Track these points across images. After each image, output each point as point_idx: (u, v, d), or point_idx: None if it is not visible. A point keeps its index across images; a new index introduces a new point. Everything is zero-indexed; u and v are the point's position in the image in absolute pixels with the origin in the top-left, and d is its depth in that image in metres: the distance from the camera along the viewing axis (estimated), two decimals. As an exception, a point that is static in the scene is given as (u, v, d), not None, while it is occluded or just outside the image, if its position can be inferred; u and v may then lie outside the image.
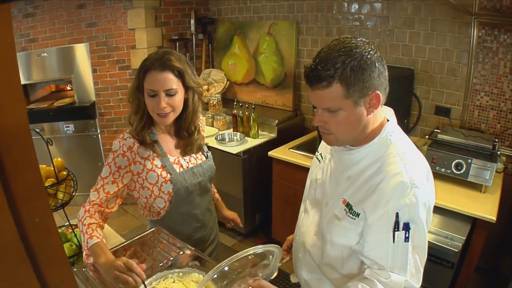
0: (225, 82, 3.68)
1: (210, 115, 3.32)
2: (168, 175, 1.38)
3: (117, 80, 3.53)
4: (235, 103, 3.16)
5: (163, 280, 1.14)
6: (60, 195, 1.43)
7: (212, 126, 3.29)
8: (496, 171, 2.01)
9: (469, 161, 2.03)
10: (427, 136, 2.34)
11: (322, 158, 1.24)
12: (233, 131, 3.16)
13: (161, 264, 1.23)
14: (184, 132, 1.45)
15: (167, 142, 1.44)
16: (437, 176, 2.08)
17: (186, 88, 1.35)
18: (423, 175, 1.00)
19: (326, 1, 2.97)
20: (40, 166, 1.52)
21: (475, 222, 1.92)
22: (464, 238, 1.91)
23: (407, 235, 0.95)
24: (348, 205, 1.04)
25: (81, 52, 3.43)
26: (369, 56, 0.92)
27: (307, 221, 1.21)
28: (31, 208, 0.51)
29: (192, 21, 3.64)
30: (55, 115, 3.45)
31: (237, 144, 2.93)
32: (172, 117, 1.35)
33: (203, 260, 1.25)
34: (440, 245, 1.93)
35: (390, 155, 1.00)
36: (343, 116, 0.96)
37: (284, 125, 3.16)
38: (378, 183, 0.98)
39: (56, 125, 3.58)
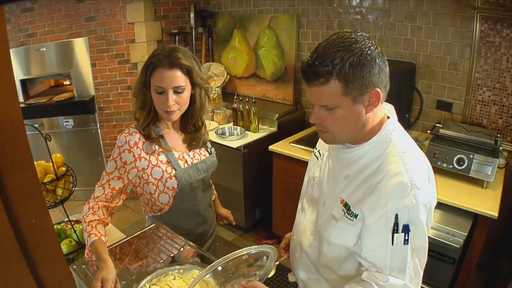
0: (225, 76, 3.66)
1: (210, 109, 3.30)
2: (173, 171, 1.38)
3: (116, 75, 3.51)
4: (235, 97, 3.15)
5: (164, 277, 1.14)
6: (59, 191, 1.44)
7: (212, 120, 3.28)
8: (498, 167, 1.99)
9: (471, 156, 2.01)
10: (428, 131, 2.33)
11: (320, 155, 1.20)
12: (233, 125, 3.15)
13: (162, 260, 1.22)
14: (191, 127, 1.45)
15: (172, 137, 1.44)
16: (438, 171, 2.08)
17: (193, 84, 1.35)
18: (424, 175, 0.97)
19: (327, -6, 2.94)
20: (39, 162, 1.51)
21: (476, 218, 1.91)
22: (466, 234, 1.90)
23: (406, 238, 0.91)
24: (346, 205, 1.00)
25: (80, 46, 3.41)
26: (369, 52, 0.88)
27: (304, 220, 1.19)
28: (27, 207, 0.50)
29: (192, 15, 3.61)
30: (54, 110, 3.43)
31: (237, 138, 2.92)
32: (179, 113, 1.35)
33: (204, 256, 1.25)
34: (442, 241, 1.92)
35: (390, 154, 0.97)
36: (341, 114, 0.93)
37: (284, 119, 3.15)
38: (377, 183, 0.95)
39: (55, 120, 3.57)
